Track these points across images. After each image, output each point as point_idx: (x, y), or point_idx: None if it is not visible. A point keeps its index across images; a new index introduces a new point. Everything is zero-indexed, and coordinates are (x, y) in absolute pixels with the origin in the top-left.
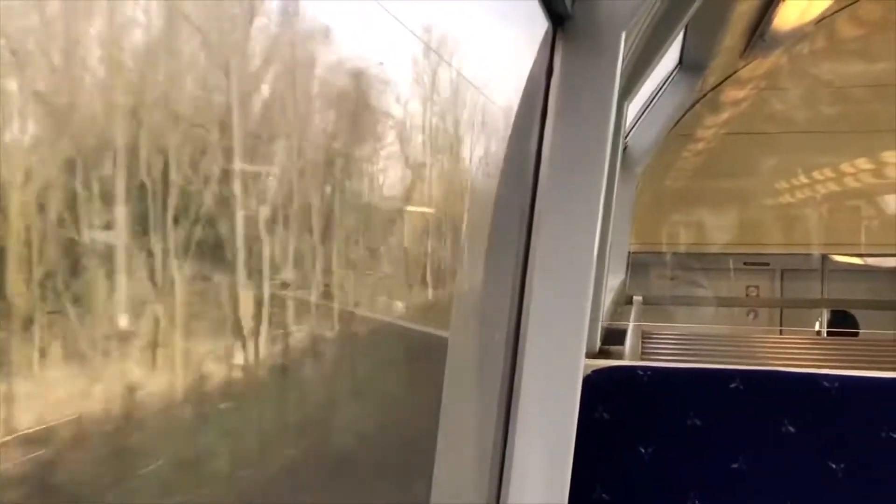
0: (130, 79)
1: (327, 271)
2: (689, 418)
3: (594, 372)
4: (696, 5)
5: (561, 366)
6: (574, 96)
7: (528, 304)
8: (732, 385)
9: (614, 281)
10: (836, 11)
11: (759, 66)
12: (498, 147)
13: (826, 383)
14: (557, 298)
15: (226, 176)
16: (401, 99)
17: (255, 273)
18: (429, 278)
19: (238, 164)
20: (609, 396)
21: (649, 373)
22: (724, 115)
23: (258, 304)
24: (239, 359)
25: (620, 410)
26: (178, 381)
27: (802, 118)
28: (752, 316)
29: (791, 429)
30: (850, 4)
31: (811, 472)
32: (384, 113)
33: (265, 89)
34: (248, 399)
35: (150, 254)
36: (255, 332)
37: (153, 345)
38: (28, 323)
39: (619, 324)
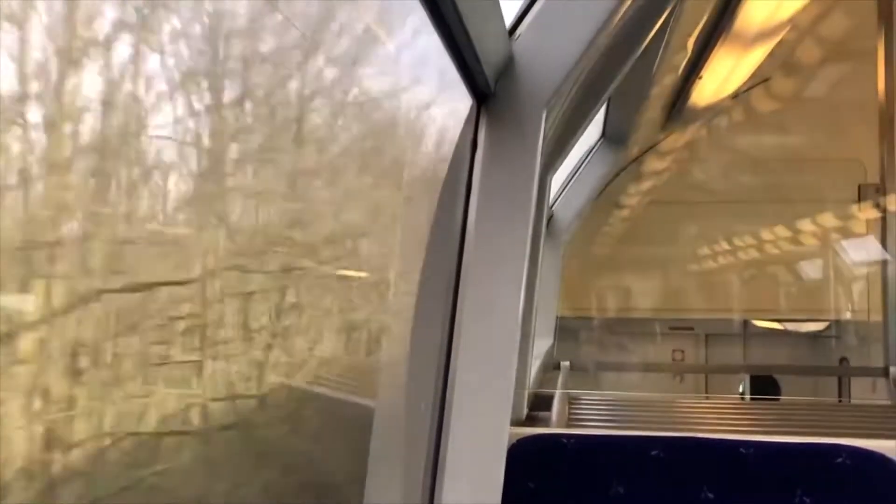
0: None
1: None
2: (612, 486)
3: (519, 441)
4: (615, 83)
5: (486, 436)
6: (497, 170)
7: (453, 373)
8: (654, 452)
9: (542, 347)
10: (751, 87)
11: (679, 137)
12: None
13: (742, 450)
14: (482, 367)
15: None
16: None
17: None
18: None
19: None
20: (534, 465)
21: (573, 441)
22: (648, 184)
23: None
24: None
25: (545, 480)
26: None
27: (722, 187)
28: (678, 379)
29: (710, 495)
30: (764, 81)
31: None
32: None
33: None
34: None
35: None
36: None
37: None
38: None
39: (547, 391)
